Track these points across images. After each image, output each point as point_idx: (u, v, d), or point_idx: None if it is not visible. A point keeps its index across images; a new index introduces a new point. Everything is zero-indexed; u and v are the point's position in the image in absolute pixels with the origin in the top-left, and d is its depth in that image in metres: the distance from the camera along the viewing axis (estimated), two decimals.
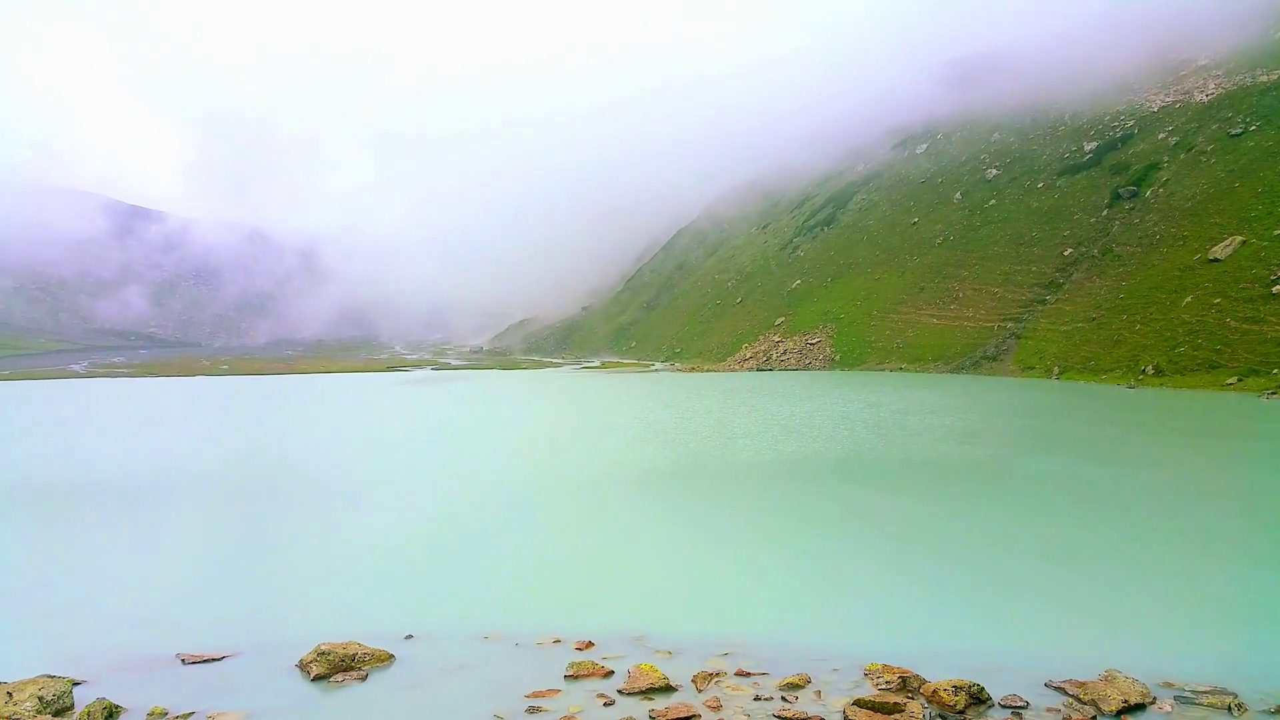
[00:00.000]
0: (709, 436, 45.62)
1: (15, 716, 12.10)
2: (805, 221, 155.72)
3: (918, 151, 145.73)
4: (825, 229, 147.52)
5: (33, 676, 13.94)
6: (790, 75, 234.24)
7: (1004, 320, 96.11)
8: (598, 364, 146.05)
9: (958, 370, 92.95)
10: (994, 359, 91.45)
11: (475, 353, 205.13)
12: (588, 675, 14.49)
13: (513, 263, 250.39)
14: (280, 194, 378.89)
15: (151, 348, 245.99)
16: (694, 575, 20.78)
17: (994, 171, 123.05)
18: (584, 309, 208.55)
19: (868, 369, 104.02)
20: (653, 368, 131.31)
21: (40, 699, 13.13)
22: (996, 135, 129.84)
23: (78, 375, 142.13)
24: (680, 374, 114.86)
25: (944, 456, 37.04)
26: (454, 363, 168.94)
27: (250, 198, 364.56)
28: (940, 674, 14.00)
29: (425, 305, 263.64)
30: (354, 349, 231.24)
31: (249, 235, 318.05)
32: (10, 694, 13.18)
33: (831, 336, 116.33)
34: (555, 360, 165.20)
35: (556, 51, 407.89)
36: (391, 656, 15.40)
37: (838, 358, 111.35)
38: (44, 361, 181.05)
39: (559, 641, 16.00)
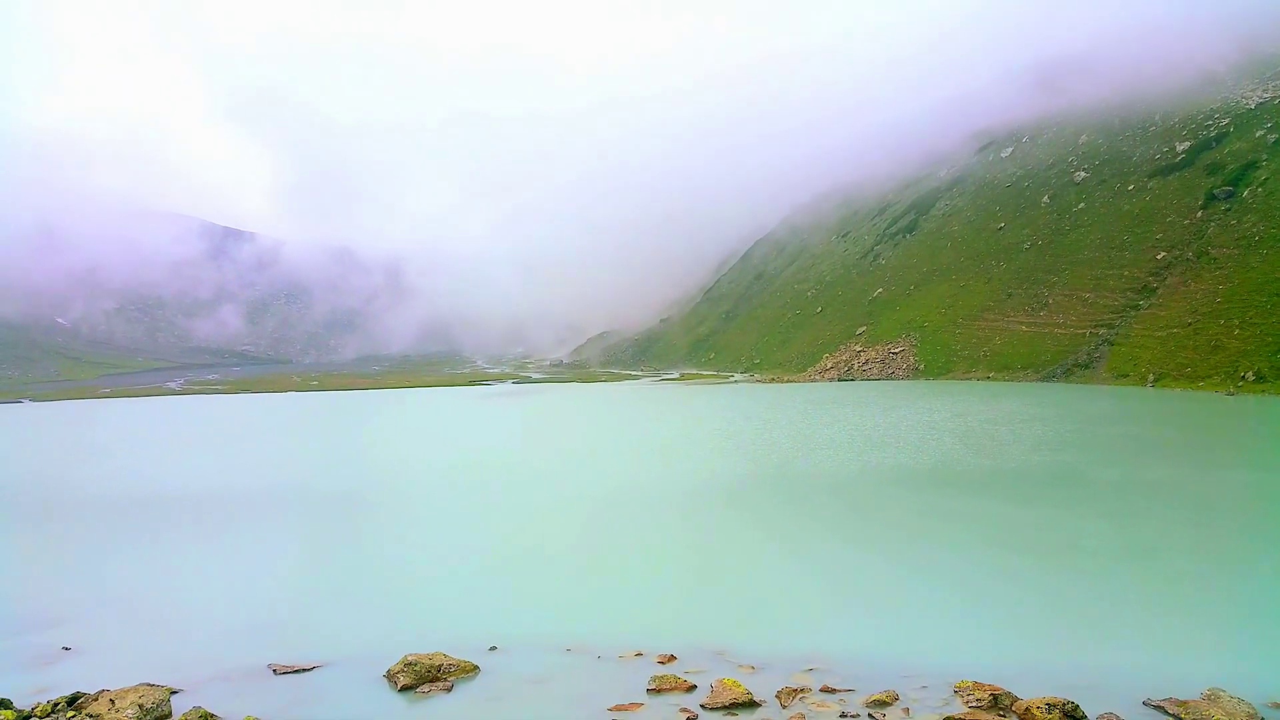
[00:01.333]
0: (791, 448, 45.06)
1: None
2: (886, 228, 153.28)
3: (1002, 155, 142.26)
4: (907, 235, 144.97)
5: (133, 685, 14.44)
6: (866, 82, 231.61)
7: (1095, 326, 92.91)
8: (676, 376, 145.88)
9: (1048, 379, 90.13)
10: (1086, 367, 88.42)
11: (555, 366, 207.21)
12: (670, 689, 14.34)
13: (592, 276, 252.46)
14: (366, 214, 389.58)
15: (244, 365, 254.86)
16: (776, 589, 20.45)
17: (1082, 174, 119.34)
18: (662, 321, 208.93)
19: (953, 378, 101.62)
20: (731, 379, 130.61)
21: (140, 706, 13.57)
22: (1084, 137, 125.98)
23: (174, 392, 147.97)
24: (760, 385, 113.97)
25: (1036, 466, 35.86)
26: (534, 376, 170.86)
27: (337, 218, 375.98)
28: (1033, 691, 13.47)
29: (506, 320, 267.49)
30: (437, 364, 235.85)
31: (336, 254, 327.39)
32: (113, 701, 13.67)
33: (915, 345, 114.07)
34: (633, 372, 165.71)
35: (632, 68, 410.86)
36: (476, 668, 15.50)
37: (922, 367, 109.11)
38: (142, 379, 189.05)
39: (640, 655, 15.89)
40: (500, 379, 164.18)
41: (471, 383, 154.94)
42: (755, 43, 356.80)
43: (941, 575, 21.10)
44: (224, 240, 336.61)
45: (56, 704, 14.20)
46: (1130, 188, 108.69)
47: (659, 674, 14.86)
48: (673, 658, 15.66)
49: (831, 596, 19.61)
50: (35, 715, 13.82)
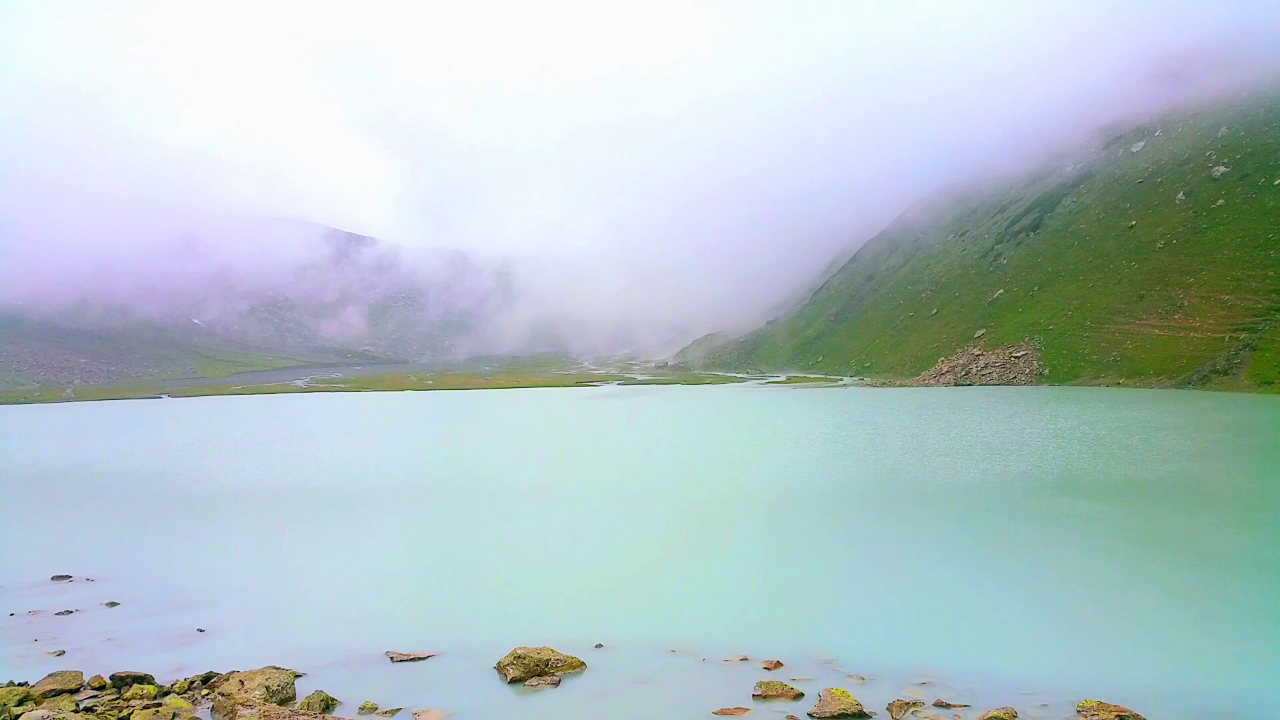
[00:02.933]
0: (904, 453, 44.01)
1: (247, 703, 13.13)
2: (1008, 227, 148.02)
3: (1133, 150, 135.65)
4: (1030, 234, 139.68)
5: (261, 667, 15.18)
6: (981, 76, 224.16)
7: (1236, 330, 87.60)
8: (782, 379, 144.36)
9: (1183, 385, 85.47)
10: (1225, 373, 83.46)
11: (659, 368, 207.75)
12: (777, 696, 14.19)
13: (697, 278, 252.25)
14: (479, 219, 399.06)
15: (366, 364, 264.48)
16: (888, 597, 20.00)
17: (1221, 169, 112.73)
18: (769, 323, 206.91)
19: (1080, 384, 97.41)
20: (840, 383, 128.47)
21: (267, 688, 14.25)
22: (1224, 130, 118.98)
23: (300, 390, 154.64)
24: (871, 389, 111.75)
25: (1172, 476, 34.05)
26: (639, 378, 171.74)
27: (452, 223, 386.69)
28: (1164, 716, 12.78)
29: (613, 321, 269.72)
30: (545, 364, 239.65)
31: (451, 258, 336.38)
32: (242, 682, 14.41)
33: (1038, 349, 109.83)
34: (739, 375, 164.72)
35: (737, 70, 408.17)
36: (583, 664, 15.68)
37: (1046, 372, 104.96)
38: (271, 377, 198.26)
39: (746, 660, 15.77)
40: (605, 380, 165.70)
41: (578, 383, 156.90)
42: (864, 38, 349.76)
43: (1064, 587, 20.25)
44: (347, 245, 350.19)
45: (192, 682, 15.04)
46: (1276, 182, 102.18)
47: (765, 680, 14.72)
48: (779, 664, 15.49)
49: (946, 607, 19.05)
50: (173, 691, 14.68)
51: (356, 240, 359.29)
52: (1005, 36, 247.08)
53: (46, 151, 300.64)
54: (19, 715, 13.32)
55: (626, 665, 15.72)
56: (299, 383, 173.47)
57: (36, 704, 13.80)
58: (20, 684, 14.82)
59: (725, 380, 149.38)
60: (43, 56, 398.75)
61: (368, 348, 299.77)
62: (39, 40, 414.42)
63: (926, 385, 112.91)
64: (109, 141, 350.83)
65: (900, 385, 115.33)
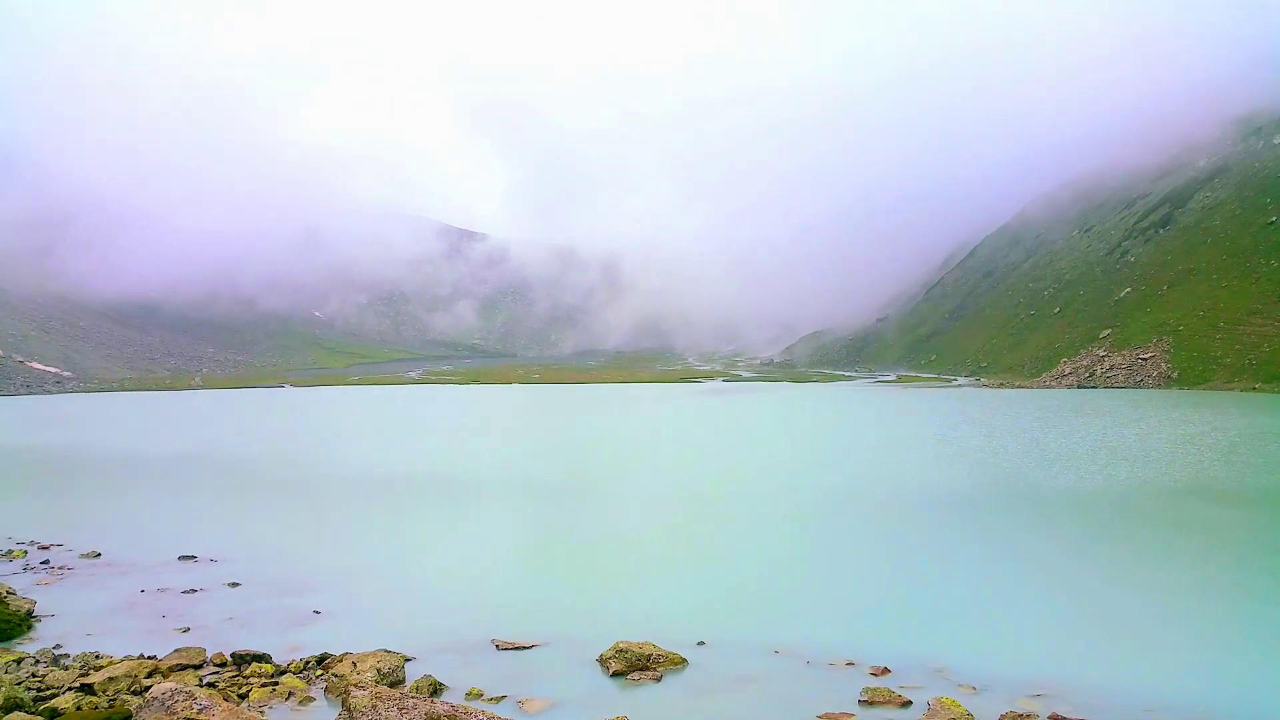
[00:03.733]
0: (1022, 457, 42.39)
1: (359, 684, 13.49)
2: (1136, 223, 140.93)
3: (1274, 142, 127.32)
4: (1160, 230, 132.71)
5: (373, 650, 15.61)
6: (1107, 65, 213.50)
7: None
8: (893, 378, 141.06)
9: None
10: None
11: (765, 365, 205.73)
12: (884, 703, 13.79)
13: (807, 274, 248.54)
14: (587, 214, 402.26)
15: (476, 357, 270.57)
16: (1002, 604, 19.24)
17: None
18: (879, 320, 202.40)
19: (1213, 388, 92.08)
20: (955, 383, 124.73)
21: (378, 670, 14.66)
22: None
23: (413, 381, 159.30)
24: (987, 390, 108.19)
25: None
26: (744, 375, 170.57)
27: (560, 218, 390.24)
28: None
29: (718, 317, 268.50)
30: (650, 360, 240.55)
31: (558, 252, 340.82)
32: (355, 664, 14.85)
33: (1167, 351, 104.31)
34: (846, 374, 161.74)
35: (847, 63, 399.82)
36: (684, 661, 15.58)
37: (1175, 375, 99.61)
38: (386, 368, 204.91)
39: (852, 664, 15.39)
40: (710, 377, 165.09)
41: (682, 379, 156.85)
42: (980, 25, 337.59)
43: (1193, 598, 19.10)
44: (459, 240, 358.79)
45: (307, 662, 15.59)
46: None
47: (871, 685, 14.33)
48: (886, 670, 15.06)
49: (1064, 616, 18.21)
50: (290, 671, 15.23)
51: (468, 236, 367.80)
52: (1132, 22, 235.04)
53: (181, 151, 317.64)
54: (148, 687, 14.03)
55: (729, 664, 15.54)
56: (412, 374, 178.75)
57: (164, 677, 14.52)
58: (149, 657, 15.64)
59: (832, 379, 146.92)
60: (178, 57, 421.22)
61: (478, 341, 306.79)
62: (173, 40, 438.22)
63: (1047, 387, 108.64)
64: (240, 141, 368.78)
65: (1019, 386, 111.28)
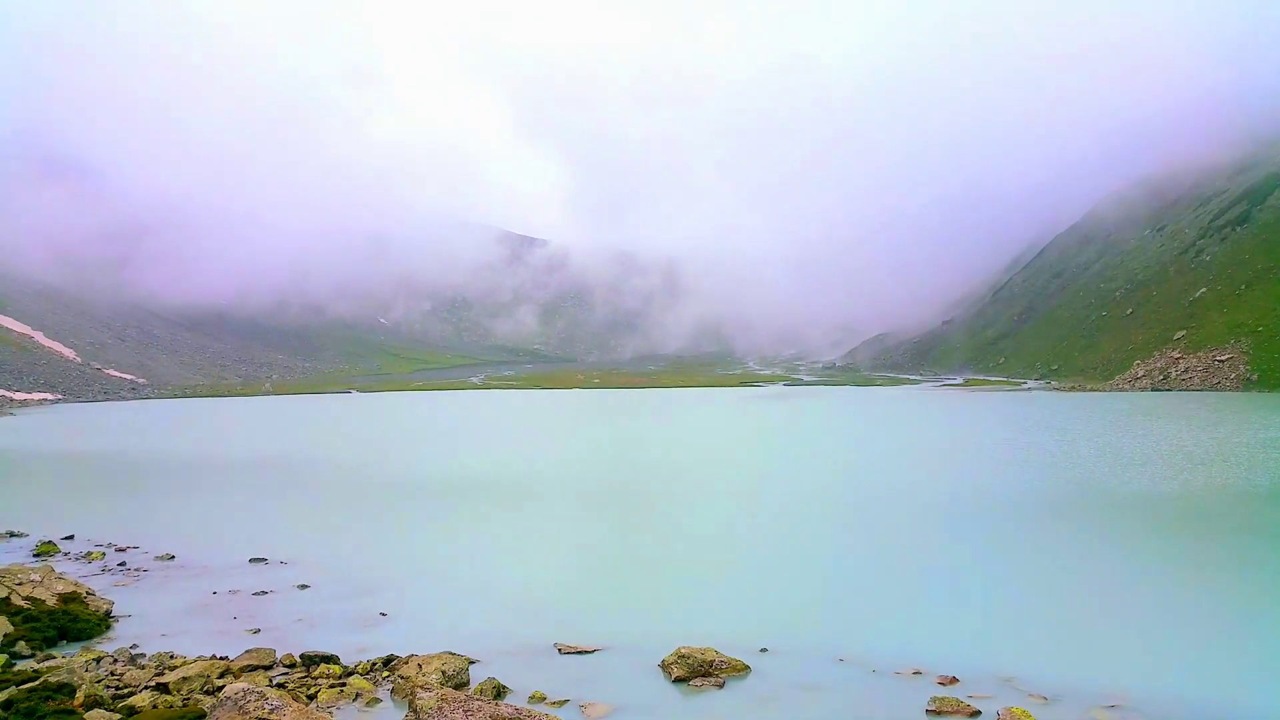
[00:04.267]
0: (1095, 461, 41.23)
1: (425, 686, 13.62)
2: (1211, 221, 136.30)
3: None
4: (1237, 229, 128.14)
5: (437, 652, 15.76)
6: (1177, 58, 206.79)
7: None
8: (960, 382, 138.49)
9: None
10: None
11: (827, 369, 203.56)
12: (952, 713, 13.47)
13: (870, 276, 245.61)
14: (646, 219, 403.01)
15: (536, 362, 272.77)
16: (1073, 612, 18.70)
17: None
18: (945, 323, 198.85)
19: None
20: (1023, 386, 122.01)
21: (443, 673, 14.79)
22: None
23: (475, 386, 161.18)
24: (1059, 394, 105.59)
25: None
26: (805, 379, 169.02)
27: (619, 223, 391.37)
28: None
29: (780, 321, 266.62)
30: (710, 364, 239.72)
31: (618, 257, 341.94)
32: (420, 665, 15.01)
33: (1246, 353, 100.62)
34: (911, 377, 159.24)
35: (908, 64, 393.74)
36: (747, 667, 15.42)
37: (1255, 377, 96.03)
38: (449, 374, 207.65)
39: (919, 673, 15.06)
40: (771, 381, 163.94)
41: (742, 383, 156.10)
42: (1048, 21, 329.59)
43: (1275, 608, 18.31)
44: (520, 246, 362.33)
45: (374, 664, 15.80)
46: None
47: (939, 695, 14.01)
48: (954, 679, 14.71)
49: (1139, 625, 17.62)
50: (357, 672, 15.46)
51: (529, 242, 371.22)
52: (1207, 14, 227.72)
53: (254, 163, 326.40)
54: (220, 687, 14.36)
55: (792, 672, 15.35)
56: (474, 379, 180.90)
57: (235, 677, 14.84)
58: (221, 658, 16.01)
59: (897, 382, 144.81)
60: (250, 71, 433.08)
61: (538, 346, 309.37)
62: (245, 54, 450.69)
63: (1120, 390, 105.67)
64: (311, 152, 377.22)
65: (1091, 390, 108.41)
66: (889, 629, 17.81)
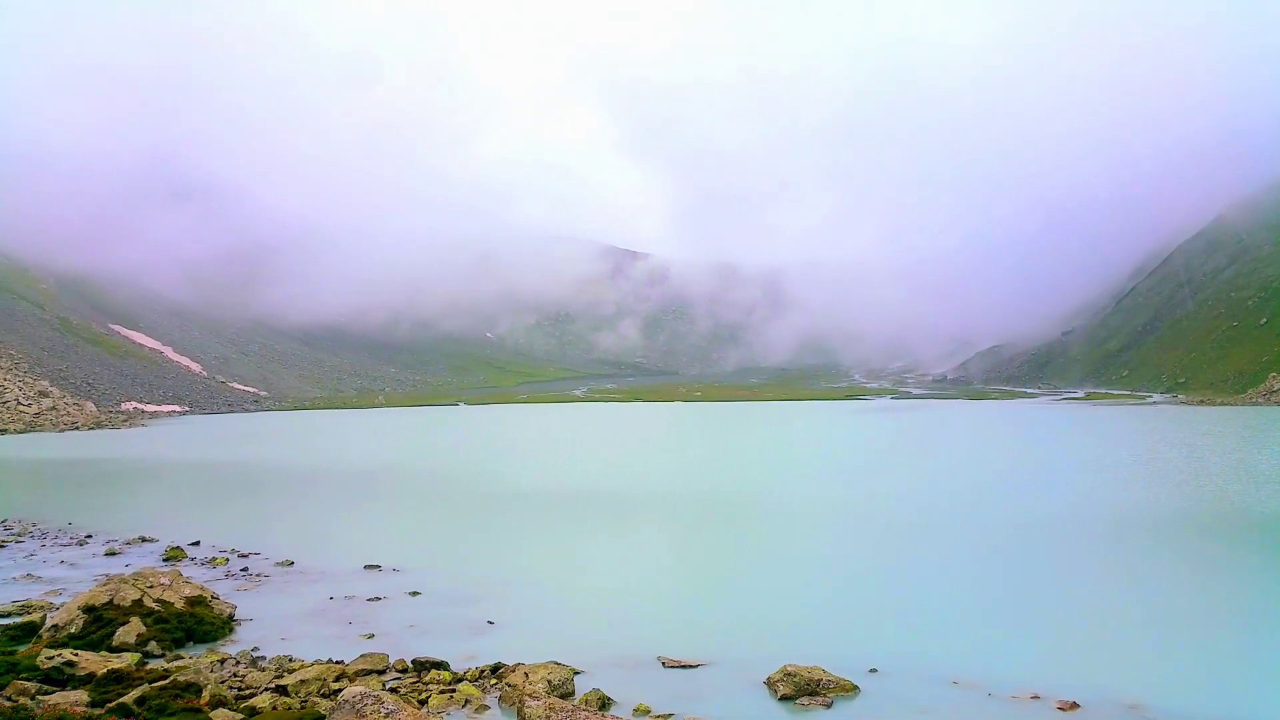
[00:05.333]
0: (1227, 479, 38.95)
1: (533, 694, 13.75)
2: None
3: None
4: None
5: (543, 661, 15.87)
6: None
7: None
8: (1080, 395, 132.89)
9: None
10: None
11: (937, 381, 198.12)
12: None
13: (984, 284, 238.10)
14: (747, 230, 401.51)
15: (638, 375, 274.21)
16: (1203, 636, 17.63)
17: None
18: (1063, 334, 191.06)
19: None
20: (1148, 400, 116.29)
21: (549, 682, 14.88)
22: None
23: (578, 399, 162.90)
24: (1186, 407, 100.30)
25: None
26: (914, 392, 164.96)
27: (721, 235, 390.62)
28: None
29: (887, 332, 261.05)
30: (814, 376, 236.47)
31: (719, 269, 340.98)
32: (527, 674, 15.15)
33: None
34: (1028, 390, 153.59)
35: (1017, 63, 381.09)
36: (856, 688, 15.03)
37: None
38: (553, 387, 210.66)
39: (1038, 698, 14.41)
40: (878, 394, 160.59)
41: (848, 396, 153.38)
42: (1172, 15, 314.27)
43: None
44: (622, 260, 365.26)
45: (482, 671, 16.02)
46: None
47: None
48: (1075, 705, 14.02)
49: (1273, 652, 16.45)
50: (466, 678, 15.72)
51: (630, 255, 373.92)
52: None
53: (370, 184, 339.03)
54: (336, 690, 14.80)
55: (903, 693, 14.88)
56: (577, 392, 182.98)
57: (351, 681, 15.28)
58: (337, 662, 16.50)
59: (1012, 396, 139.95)
60: (365, 97, 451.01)
61: (640, 359, 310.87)
62: (359, 81, 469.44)
63: (1254, 404, 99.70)
64: (422, 171, 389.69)
65: (1222, 404, 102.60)
66: (1006, 650, 17.13)
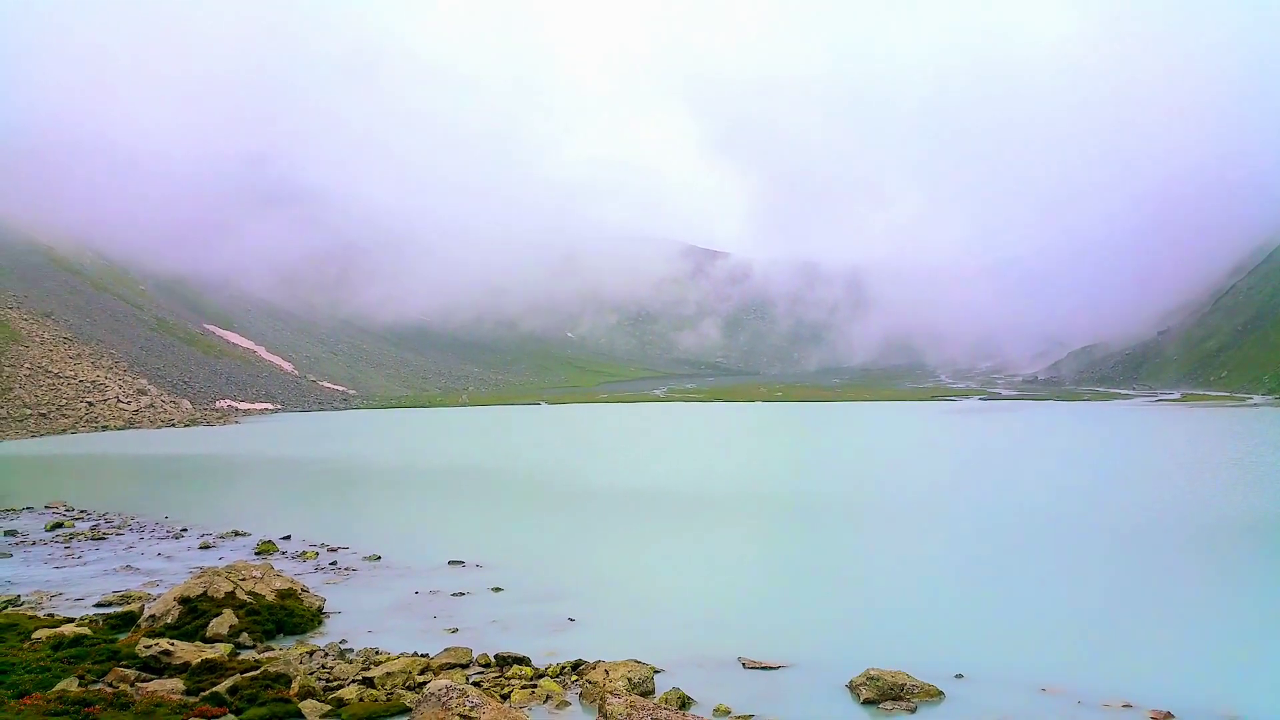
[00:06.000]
0: None
1: (614, 691, 13.82)
2: None
3: None
4: None
5: (623, 659, 15.94)
6: None
7: None
8: (1177, 397, 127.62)
9: None
10: None
11: (1028, 382, 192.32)
12: None
13: (1076, 282, 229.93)
14: (829, 227, 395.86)
15: (718, 375, 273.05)
16: None
17: None
18: (1159, 333, 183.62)
19: None
20: (1249, 402, 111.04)
21: (629, 680, 14.95)
22: None
23: (658, 399, 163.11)
24: None
25: None
26: (1003, 393, 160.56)
27: (802, 234, 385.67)
28: None
29: (975, 332, 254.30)
30: (898, 377, 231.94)
31: (800, 269, 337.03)
32: (607, 672, 15.23)
33: None
34: (1121, 391, 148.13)
35: (1109, 61, 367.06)
36: (941, 693, 14.72)
37: None
38: (633, 387, 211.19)
39: (1129, 706, 13.93)
40: (965, 395, 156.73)
41: (934, 398, 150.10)
42: (1258, 2, 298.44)
43: None
44: (702, 259, 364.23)
45: (563, 667, 16.19)
46: None
47: None
48: (1169, 715, 13.52)
49: None
50: (547, 674, 15.89)
51: (711, 255, 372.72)
52: None
53: (457, 188, 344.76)
54: (421, 683, 15.12)
55: (990, 700, 14.52)
56: (657, 392, 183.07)
57: (435, 674, 15.60)
58: (422, 655, 16.86)
59: (1105, 397, 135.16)
60: (452, 99, 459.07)
61: (720, 359, 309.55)
62: (449, 89, 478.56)
63: None
64: (507, 172, 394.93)
65: None
66: (1095, 657, 16.61)
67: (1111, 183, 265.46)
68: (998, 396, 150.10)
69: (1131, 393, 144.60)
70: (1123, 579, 22.97)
